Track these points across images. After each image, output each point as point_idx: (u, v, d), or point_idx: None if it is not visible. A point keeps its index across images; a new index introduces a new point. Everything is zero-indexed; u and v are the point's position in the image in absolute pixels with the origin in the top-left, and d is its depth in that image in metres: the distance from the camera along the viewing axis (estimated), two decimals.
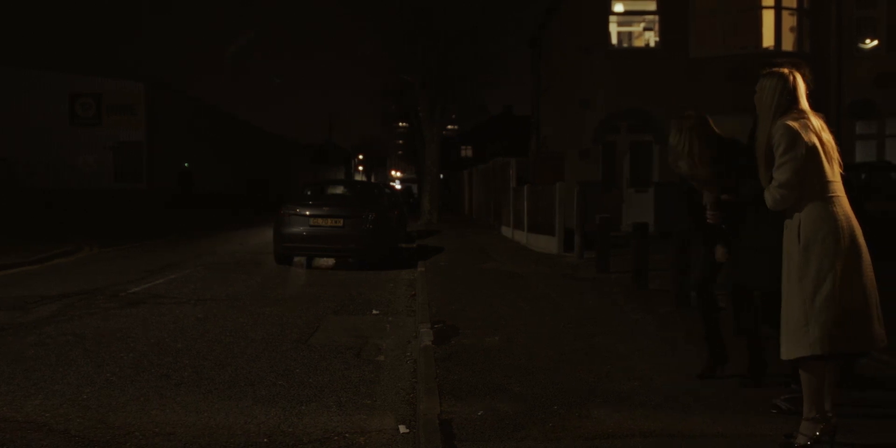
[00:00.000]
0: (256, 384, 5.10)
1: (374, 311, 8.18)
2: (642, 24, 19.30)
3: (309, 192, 14.01)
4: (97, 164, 25.70)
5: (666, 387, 4.69)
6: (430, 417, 4.09)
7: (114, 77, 26.69)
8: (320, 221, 12.00)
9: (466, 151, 57.34)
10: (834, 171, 3.67)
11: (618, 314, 7.47)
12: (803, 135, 3.60)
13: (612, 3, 18.37)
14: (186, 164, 29.63)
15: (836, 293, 3.51)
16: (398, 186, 57.79)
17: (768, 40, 17.16)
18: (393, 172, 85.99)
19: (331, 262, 12.40)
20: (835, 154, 3.71)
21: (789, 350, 3.62)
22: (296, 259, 12.76)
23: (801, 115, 3.70)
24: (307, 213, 12.11)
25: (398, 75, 27.31)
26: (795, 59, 4.15)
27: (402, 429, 4.24)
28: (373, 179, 71.71)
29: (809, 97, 3.80)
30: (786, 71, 3.79)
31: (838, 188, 3.66)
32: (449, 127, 58.96)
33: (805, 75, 4.05)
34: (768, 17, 17.17)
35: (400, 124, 55.71)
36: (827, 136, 3.70)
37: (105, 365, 5.58)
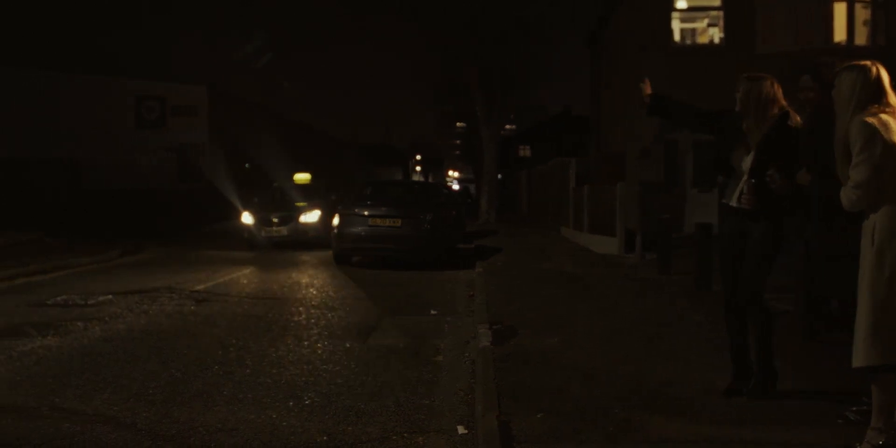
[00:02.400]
0: (316, 383, 5.14)
1: (433, 312, 8.18)
2: (706, 20, 18.85)
3: (366, 192, 14.14)
4: (161, 165, 26.42)
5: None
6: (489, 419, 4.05)
7: (177, 81, 27.46)
8: (379, 221, 12.09)
9: (524, 151, 56.91)
10: None
11: (679, 316, 7.29)
12: (882, 132, 3.41)
13: None
14: (247, 165, 30.20)
15: None
16: (455, 186, 57.81)
17: (840, 34, 16.56)
18: (450, 172, 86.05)
19: (389, 261, 12.47)
20: None
21: (855, 358, 3.47)
22: (354, 259, 12.87)
23: (883, 109, 3.50)
24: (366, 213, 12.22)
25: (448, 75, 27.24)
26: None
27: (461, 429, 4.22)
28: (430, 179, 71.94)
29: None
30: (868, 63, 3.60)
31: None
32: (507, 127, 58.68)
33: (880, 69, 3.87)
34: (840, 11, 16.58)
35: (457, 124, 55.75)
36: None
37: (170, 361, 5.71)
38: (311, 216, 15.31)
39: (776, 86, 4.38)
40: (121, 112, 26.44)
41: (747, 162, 4.34)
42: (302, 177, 18.06)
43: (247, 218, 15.66)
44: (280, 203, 16.32)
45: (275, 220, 15.27)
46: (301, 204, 15.70)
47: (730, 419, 4.05)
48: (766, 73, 4.46)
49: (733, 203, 4.41)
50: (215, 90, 28.13)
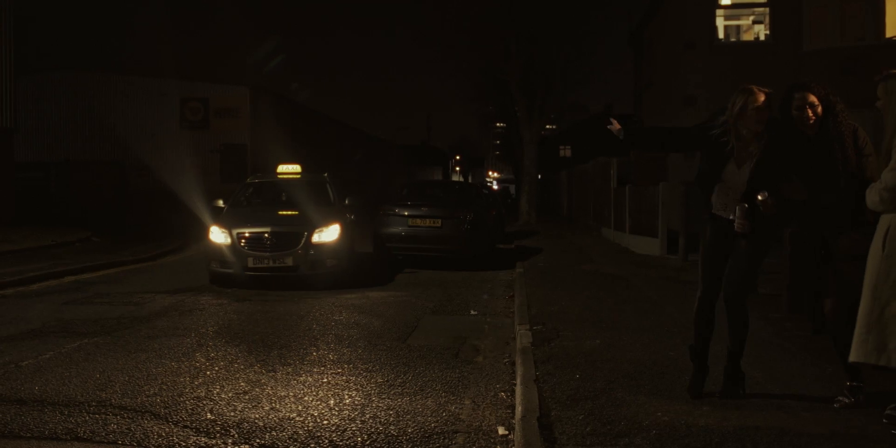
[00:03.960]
0: (357, 382, 5.16)
1: (473, 312, 8.16)
2: (751, 17, 18.53)
3: (407, 193, 14.16)
4: (204, 166, 26.84)
5: (776, 395, 4.45)
6: (530, 420, 4.02)
7: (220, 82, 27.90)
8: (419, 222, 12.13)
9: (565, 151, 56.63)
10: None
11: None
12: None
13: None
14: None
15: None
16: (495, 187, 57.70)
17: (892, 30, 16.11)
18: (490, 173, 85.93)
19: (429, 261, 12.47)
20: None
21: (853, 353, 3.56)
22: (394, 258, 12.90)
23: None
24: (406, 213, 12.26)
25: (489, 75, 27.16)
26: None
27: (502, 430, 4.19)
28: (470, 180, 71.84)
29: None
30: None
31: None
32: (547, 127, 58.38)
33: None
34: (892, 5, 16.13)
35: (497, 124, 55.67)
36: None
37: (215, 359, 5.78)
38: (329, 233, 9.85)
39: (770, 99, 4.34)
40: (165, 113, 26.96)
41: (741, 175, 4.36)
42: (289, 169, 12.07)
43: (217, 235, 9.75)
44: (269, 212, 10.63)
45: (267, 239, 9.54)
46: (294, 212, 10.35)
47: (778, 419, 3.95)
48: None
49: (729, 216, 4.38)
50: (263, 91, 28.50)
